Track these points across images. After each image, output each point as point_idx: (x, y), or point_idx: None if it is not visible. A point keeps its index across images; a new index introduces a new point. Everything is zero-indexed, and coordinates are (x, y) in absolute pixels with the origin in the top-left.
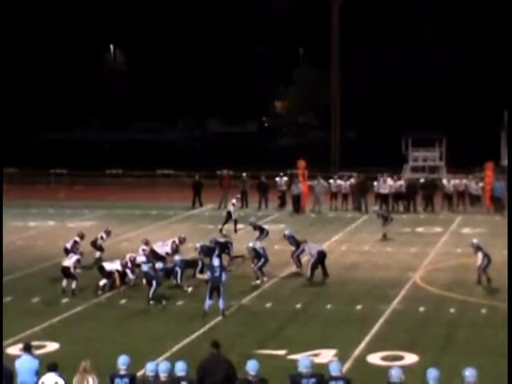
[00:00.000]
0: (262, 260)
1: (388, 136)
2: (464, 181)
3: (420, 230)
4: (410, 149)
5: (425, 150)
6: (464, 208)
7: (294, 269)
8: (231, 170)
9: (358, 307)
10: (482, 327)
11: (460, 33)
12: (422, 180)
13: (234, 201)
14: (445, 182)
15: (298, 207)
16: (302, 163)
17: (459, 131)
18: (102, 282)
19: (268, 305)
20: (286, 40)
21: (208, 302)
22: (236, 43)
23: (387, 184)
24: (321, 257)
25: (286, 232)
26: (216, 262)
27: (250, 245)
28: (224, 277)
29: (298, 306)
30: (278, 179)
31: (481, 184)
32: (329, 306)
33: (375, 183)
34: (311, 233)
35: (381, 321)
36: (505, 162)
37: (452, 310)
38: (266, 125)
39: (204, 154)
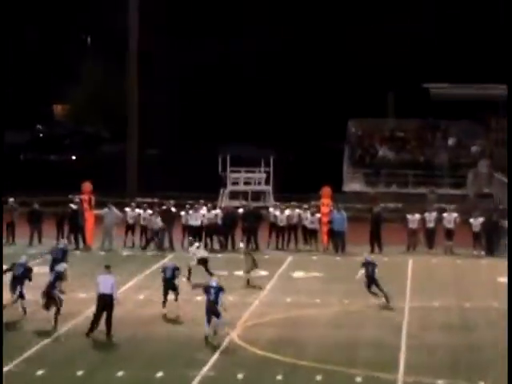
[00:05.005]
0: None
1: (201, 152)
2: (297, 211)
3: (239, 273)
4: (228, 169)
5: (247, 170)
6: (296, 245)
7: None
8: None
9: (159, 374)
10: None
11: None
12: (242, 209)
13: None
14: (277, 212)
15: (84, 241)
16: (87, 186)
17: (291, 148)
18: None
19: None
20: (63, 21)
21: None
22: None
23: (199, 213)
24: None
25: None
26: None
27: None
28: None
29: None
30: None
31: (318, 215)
32: (120, 374)
33: (183, 213)
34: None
35: None
36: (349, 187)
37: (279, 377)
38: (40, 134)
39: None
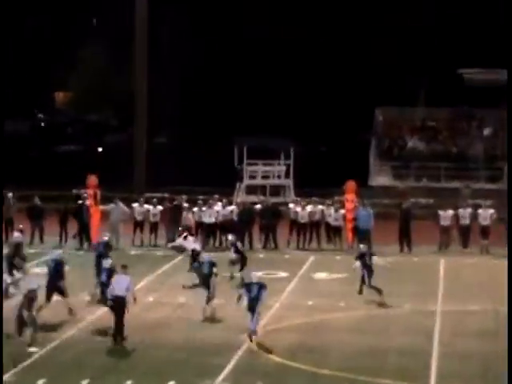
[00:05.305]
0: None
1: (215, 143)
2: (320, 207)
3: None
4: (245, 161)
5: (266, 163)
6: (318, 244)
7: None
8: None
9: (170, 383)
10: None
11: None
12: (259, 205)
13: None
14: (297, 208)
15: (88, 239)
16: (92, 179)
17: (313, 139)
18: None
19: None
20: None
21: None
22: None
23: (213, 210)
24: None
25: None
26: None
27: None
28: None
29: None
30: None
31: (342, 211)
32: (128, 382)
33: (195, 209)
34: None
35: None
36: (376, 181)
37: None
38: (42, 124)
39: None
